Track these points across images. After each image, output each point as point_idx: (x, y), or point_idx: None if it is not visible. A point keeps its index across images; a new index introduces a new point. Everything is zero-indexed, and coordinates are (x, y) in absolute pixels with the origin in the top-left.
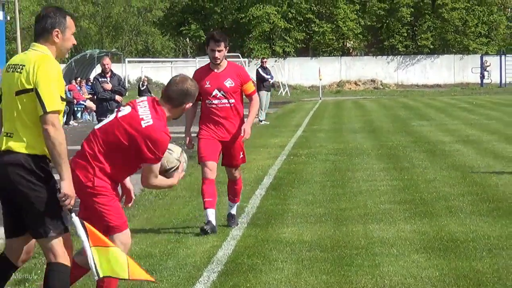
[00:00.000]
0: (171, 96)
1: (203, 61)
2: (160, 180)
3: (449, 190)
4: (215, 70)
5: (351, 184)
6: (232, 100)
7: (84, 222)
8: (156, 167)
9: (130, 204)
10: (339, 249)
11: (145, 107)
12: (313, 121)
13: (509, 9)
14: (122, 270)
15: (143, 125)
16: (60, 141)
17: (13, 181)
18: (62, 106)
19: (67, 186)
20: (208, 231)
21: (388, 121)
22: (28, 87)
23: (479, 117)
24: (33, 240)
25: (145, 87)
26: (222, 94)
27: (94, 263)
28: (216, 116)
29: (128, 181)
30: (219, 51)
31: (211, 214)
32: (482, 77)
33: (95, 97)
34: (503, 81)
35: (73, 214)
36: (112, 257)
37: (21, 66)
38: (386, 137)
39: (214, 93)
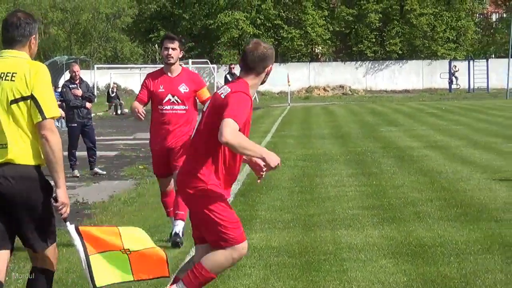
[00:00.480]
0: (251, 65)
1: None
2: (243, 138)
3: (417, 196)
4: (169, 74)
5: (319, 189)
6: (185, 107)
7: (80, 229)
8: (232, 122)
9: (259, 181)
10: (307, 255)
11: (224, 87)
12: (282, 127)
13: (477, 15)
14: (126, 273)
15: (223, 96)
16: (59, 147)
17: (20, 194)
18: (58, 112)
19: (63, 194)
20: (180, 244)
21: (357, 127)
22: (25, 94)
23: (447, 123)
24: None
25: (114, 93)
26: (176, 100)
27: (90, 273)
28: (167, 123)
29: None
30: (173, 49)
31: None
32: (451, 82)
33: (64, 104)
34: (471, 87)
35: (68, 223)
36: (114, 261)
37: (11, 74)
38: (355, 142)
39: (167, 99)
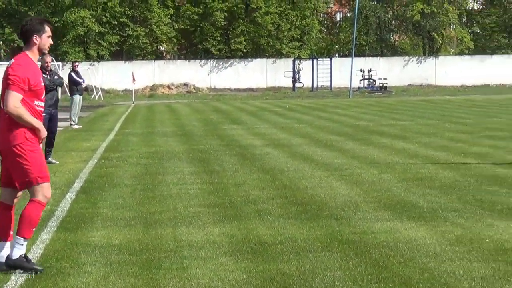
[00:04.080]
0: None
1: None
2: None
3: (258, 194)
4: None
5: (161, 187)
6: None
7: None
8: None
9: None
10: (147, 252)
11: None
12: (126, 125)
13: (322, 14)
14: None
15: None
16: None
17: None
18: None
19: None
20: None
21: (200, 125)
22: None
23: (290, 121)
24: None
25: None
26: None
27: None
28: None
29: None
30: None
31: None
32: (294, 81)
33: None
34: (315, 85)
35: None
36: None
37: None
38: (198, 140)
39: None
